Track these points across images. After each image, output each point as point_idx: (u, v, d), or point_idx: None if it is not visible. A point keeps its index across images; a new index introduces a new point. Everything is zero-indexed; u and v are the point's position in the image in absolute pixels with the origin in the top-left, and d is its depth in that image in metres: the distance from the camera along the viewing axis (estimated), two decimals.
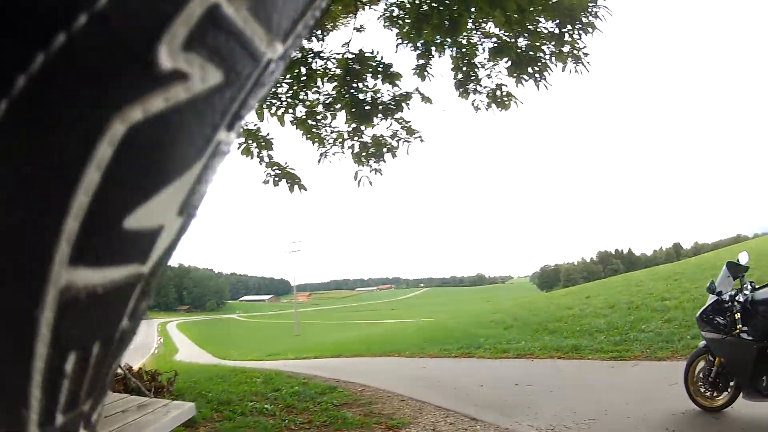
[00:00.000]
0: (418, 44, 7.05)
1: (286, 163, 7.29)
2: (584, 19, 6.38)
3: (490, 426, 5.31)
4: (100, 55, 0.16)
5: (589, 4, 6.29)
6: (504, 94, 7.21)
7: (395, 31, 7.12)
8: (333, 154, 7.89)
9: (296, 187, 7.28)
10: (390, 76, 7.03)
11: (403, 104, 7.26)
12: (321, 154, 7.89)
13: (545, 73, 6.71)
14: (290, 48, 0.22)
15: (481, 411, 5.86)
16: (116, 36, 0.16)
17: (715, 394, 4.88)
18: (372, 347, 14.58)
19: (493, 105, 7.29)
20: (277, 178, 7.35)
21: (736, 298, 4.58)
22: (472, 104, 7.44)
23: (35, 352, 0.19)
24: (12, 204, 0.17)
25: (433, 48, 7.12)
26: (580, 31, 6.47)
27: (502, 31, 6.79)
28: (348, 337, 25.28)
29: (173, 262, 0.26)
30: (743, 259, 4.83)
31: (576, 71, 6.75)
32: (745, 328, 4.44)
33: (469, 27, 6.89)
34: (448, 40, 7.02)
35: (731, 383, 4.73)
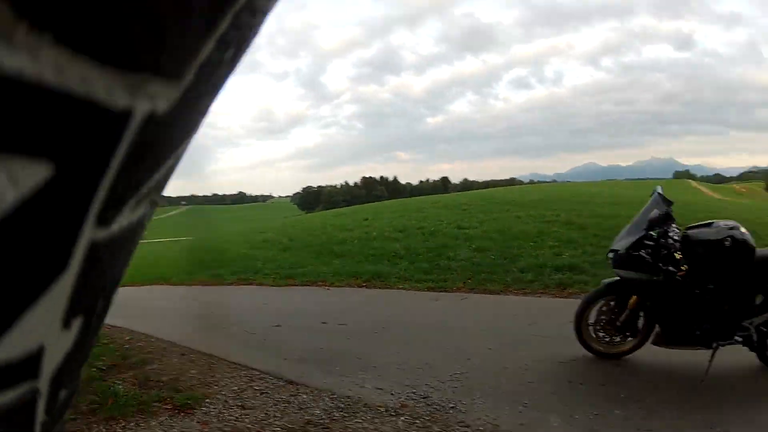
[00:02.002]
0: None
1: None
2: None
3: (322, 393, 3.66)
4: None
5: None
6: None
7: None
8: None
9: None
10: None
11: None
12: None
13: None
14: (199, 81, 0.18)
15: (296, 367, 4.20)
16: None
17: (618, 339, 4.37)
18: (133, 273, 11.56)
19: None
20: None
21: (670, 236, 4.20)
22: None
23: None
24: None
25: None
26: None
27: None
28: None
29: None
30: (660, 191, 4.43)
31: None
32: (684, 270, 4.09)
33: None
34: None
35: (640, 328, 4.30)
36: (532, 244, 7.92)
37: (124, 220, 0.19)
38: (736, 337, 4.14)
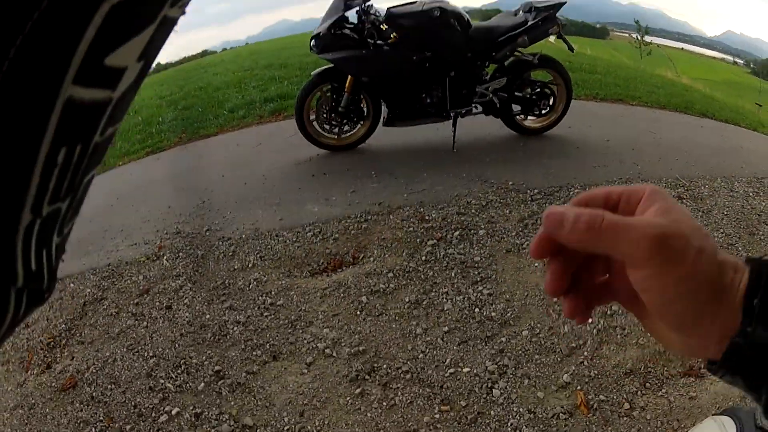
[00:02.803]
0: None
1: None
2: None
3: (85, 273, 3.44)
4: None
5: None
6: None
7: None
8: None
9: None
10: None
11: None
12: None
13: None
14: None
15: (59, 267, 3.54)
16: None
17: (347, 127, 4.35)
18: None
19: None
20: None
21: (371, 12, 4.14)
22: None
23: (43, 141, 0.24)
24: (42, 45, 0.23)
25: None
26: None
27: None
28: None
29: None
30: None
31: None
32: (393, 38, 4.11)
33: None
34: None
35: (366, 112, 4.30)
36: (236, 89, 7.82)
37: (177, 11, 0.28)
38: (476, 106, 4.32)
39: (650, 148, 4.61)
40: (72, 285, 3.30)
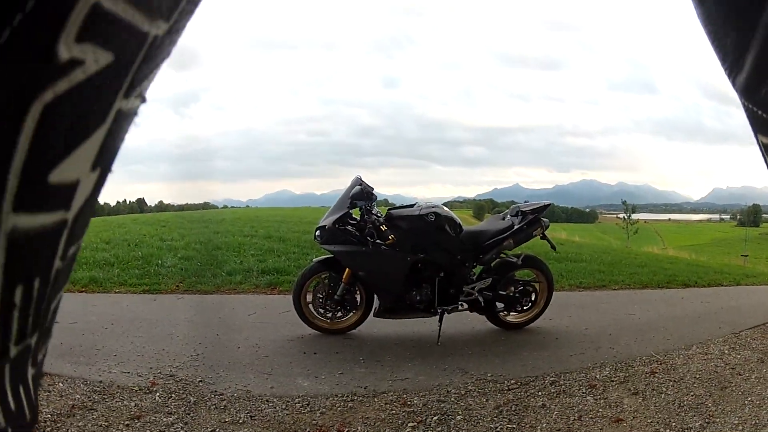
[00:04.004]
0: None
1: None
2: None
3: (76, 380, 3.61)
4: (20, 58, 0.20)
5: None
6: None
7: None
8: None
9: None
10: None
11: None
12: None
13: None
14: (177, 22, 0.26)
15: (45, 361, 3.70)
16: (31, 43, 0.20)
17: (340, 314, 4.55)
18: None
19: None
20: None
21: (373, 212, 4.42)
22: None
23: None
24: None
25: None
26: None
27: None
28: None
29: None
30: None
31: None
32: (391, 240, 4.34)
33: None
34: None
35: (359, 301, 4.52)
36: (234, 253, 8.24)
37: (134, 102, 0.25)
38: (462, 304, 4.49)
39: (628, 330, 4.83)
40: (61, 385, 3.45)
